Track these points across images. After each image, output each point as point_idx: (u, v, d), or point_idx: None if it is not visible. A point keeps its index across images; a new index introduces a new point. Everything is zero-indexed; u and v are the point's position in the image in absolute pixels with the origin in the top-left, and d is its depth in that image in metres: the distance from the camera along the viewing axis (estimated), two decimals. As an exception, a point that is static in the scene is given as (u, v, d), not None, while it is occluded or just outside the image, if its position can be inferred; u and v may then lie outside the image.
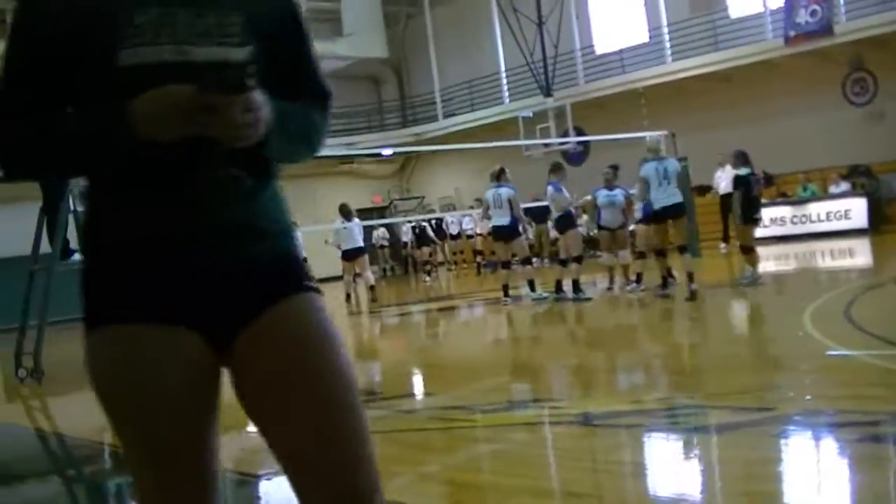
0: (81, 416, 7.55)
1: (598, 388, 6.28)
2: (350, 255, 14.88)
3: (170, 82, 1.39)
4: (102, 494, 4.98)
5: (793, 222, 18.61)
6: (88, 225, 1.55)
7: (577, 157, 21.28)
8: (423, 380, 7.67)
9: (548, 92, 22.24)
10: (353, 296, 15.35)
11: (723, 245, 17.65)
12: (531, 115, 21.27)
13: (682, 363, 7.05)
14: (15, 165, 1.52)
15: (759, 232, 11.72)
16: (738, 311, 9.88)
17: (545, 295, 12.16)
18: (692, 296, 9.78)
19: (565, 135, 20.69)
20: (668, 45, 21.74)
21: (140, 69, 1.43)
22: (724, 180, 17.27)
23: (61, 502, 4.89)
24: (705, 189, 18.57)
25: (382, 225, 24.40)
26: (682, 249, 10.40)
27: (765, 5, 19.88)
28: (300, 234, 8.98)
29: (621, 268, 11.98)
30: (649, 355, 7.43)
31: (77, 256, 9.88)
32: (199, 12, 1.49)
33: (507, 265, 12.48)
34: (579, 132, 21.33)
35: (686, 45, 21.06)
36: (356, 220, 15.40)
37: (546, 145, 20.45)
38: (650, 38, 22.37)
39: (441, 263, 24.17)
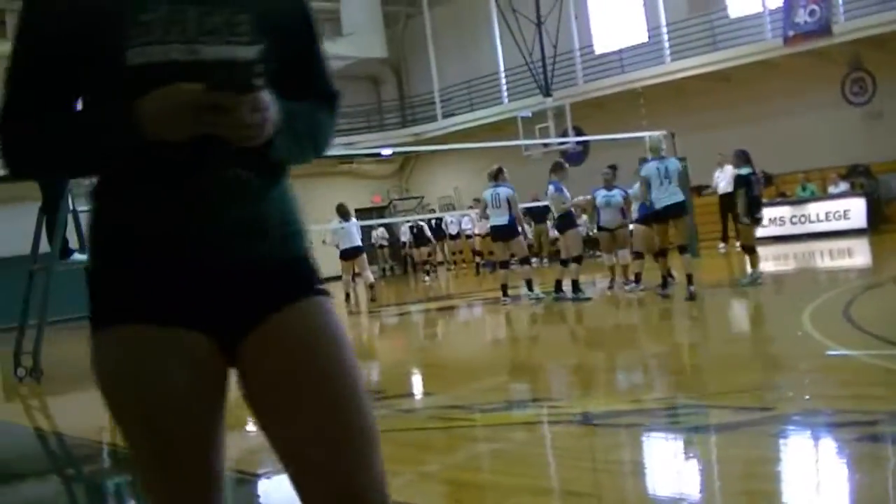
0: (80, 415, 7.55)
1: (598, 388, 6.28)
2: (348, 255, 14.88)
3: (179, 81, 1.38)
4: (101, 494, 4.98)
5: (792, 222, 18.62)
6: (95, 224, 1.55)
7: (577, 156, 21.27)
8: (423, 379, 7.67)
9: (547, 92, 22.24)
10: (352, 295, 15.36)
11: (721, 245, 17.66)
12: (530, 115, 21.27)
13: (682, 363, 7.06)
14: (21, 164, 1.51)
15: (758, 232, 11.71)
16: (738, 311, 9.88)
17: (542, 295, 12.19)
18: (691, 297, 9.78)
19: (564, 135, 20.70)
20: (667, 44, 21.75)
21: (148, 68, 1.42)
22: (723, 180, 17.27)
23: (60, 501, 4.89)
24: (704, 189, 18.57)
25: (381, 225, 24.41)
26: (682, 249, 10.38)
27: (764, 5, 19.89)
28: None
29: (621, 268, 11.99)
30: (649, 355, 7.43)
31: (76, 256, 9.91)
32: (208, 10, 1.48)
33: (505, 265, 12.48)
34: (578, 132, 21.34)
35: (685, 45, 21.07)
36: (354, 219, 15.41)
37: (545, 145, 20.46)
38: (649, 37, 22.38)
39: (440, 263, 24.17)
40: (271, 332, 1.52)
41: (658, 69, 21.34)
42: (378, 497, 1.53)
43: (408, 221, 23.45)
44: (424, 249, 22.56)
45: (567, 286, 11.65)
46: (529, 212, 18.50)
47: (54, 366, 9.52)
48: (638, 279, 11.52)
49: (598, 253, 14.72)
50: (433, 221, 22.92)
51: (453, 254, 24.43)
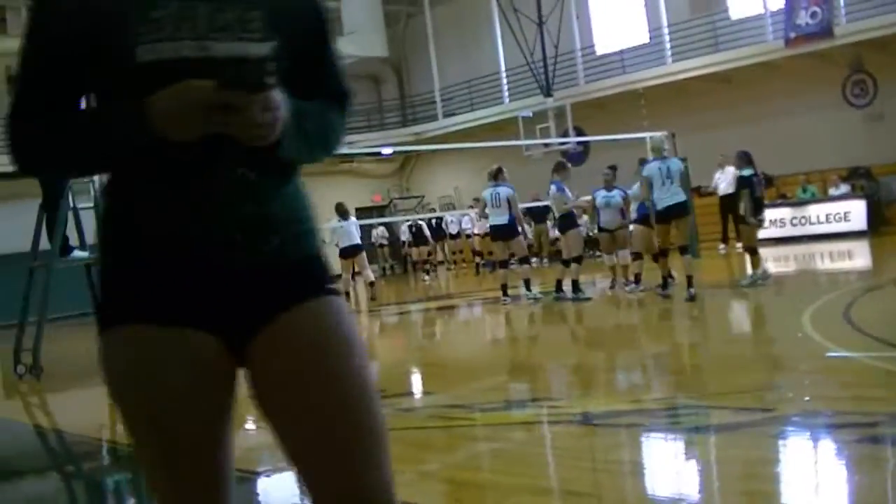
0: (80, 412, 7.56)
1: (598, 388, 6.28)
2: (347, 253, 14.88)
3: (189, 78, 1.36)
4: (101, 491, 4.98)
5: (792, 224, 18.61)
6: (104, 222, 1.54)
7: (577, 157, 21.27)
8: (423, 378, 7.67)
9: (548, 92, 22.24)
10: (351, 294, 15.35)
11: (722, 246, 17.66)
12: (531, 114, 21.26)
13: (682, 363, 7.06)
14: (30, 162, 1.51)
15: (758, 233, 11.70)
16: (738, 312, 9.89)
17: (539, 295, 12.21)
18: (691, 298, 9.78)
19: (565, 135, 20.70)
20: (668, 45, 21.75)
21: (158, 65, 1.40)
22: (723, 181, 17.28)
23: (60, 498, 4.89)
24: (704, 190, 18.57)
25: (381, 224, 24.41)
26: (682, 250, 10.35)
27: (765, 7, 19.89)
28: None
29: (621, 268, 12.00)
30: (649, 355, 7.44)
31: (77, 253, 9.91)
32: (219, 6, 1.46)
33: (505, 265, 12.48)
34: (579, 132, 21.34)
35: (686, 46, 21.07)
36: (353, 218, 15.40)
37: (546, 145, 20.46)
38: (650, 38, 22.38)
39: (441, 263, 24.18)
40: (280, 331, 1.51)
41: (659, 70, 21.34)
42: (386, 497, 1.52)
43: (407, 221, 23.46)
44: (424, 249, 22.57)
45: (567, 286, 11.65)
46: (530, 212, 18.51)
47: (54, 363, 9.52)
48: (638, 280, 11.52)
49: (598, 253, 14.72)
50: (433, 221, 22.92)
51: (453, 253, 24.43)
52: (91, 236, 10.14)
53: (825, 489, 3.44)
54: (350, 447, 1.49)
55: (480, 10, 25.09)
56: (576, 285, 11.53)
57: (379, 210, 27.87)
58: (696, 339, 8.39)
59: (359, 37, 24.76)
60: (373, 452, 1.51)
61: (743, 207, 10.85)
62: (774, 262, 11.04)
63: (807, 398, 4.95)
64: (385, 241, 25.16)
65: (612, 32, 23.29)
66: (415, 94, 28.27)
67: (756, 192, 10.83)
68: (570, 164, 12.48)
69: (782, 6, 19.26)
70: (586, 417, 5.03)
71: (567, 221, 11.88)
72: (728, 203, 17.38)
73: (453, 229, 23.53)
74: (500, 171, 12.10)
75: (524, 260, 12.58)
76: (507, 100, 24.83)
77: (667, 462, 4.10)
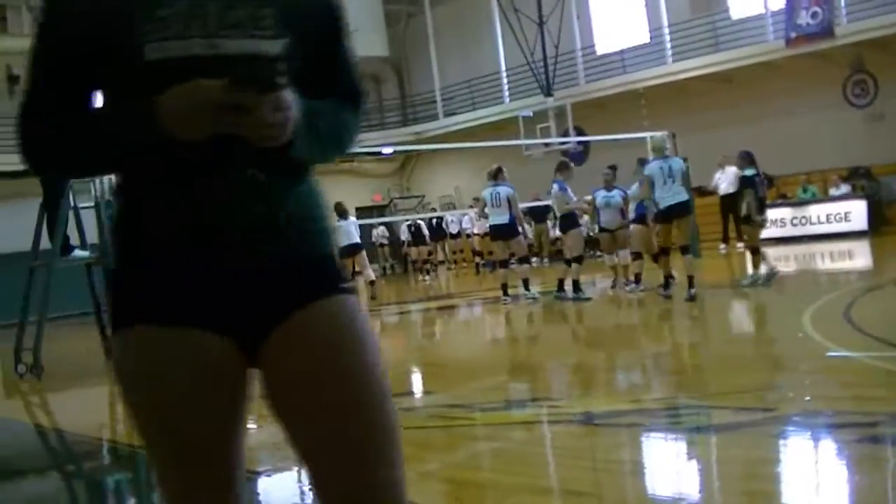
0: (80, 411, 7.56)
1: (598, 388, 6.28)
2: (347, 253, 14.85)
3: (200, 76, 1.35)
4: (101, 490, 4.98)
5: (793, 224, 18.61)
6: (116, 223, 1.54)
7: (578, 157, 21.26)
8: (423, 378, 7.67)
9: (548, 92, 22.24)
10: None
11: (722, 246, 17.66)
12: (531, 114, 21.26)
13: (682, 363, 7.06)
14: (40, 162, 1.51)
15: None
16: (738, 312, 9.89)
17: (537, 295, 12.25)
18: (692, 299, 9.77)
19: (565, 135, 20.70)
20: (668, 45, 21.74)
21: (167, 63, 1.39)
22: (724, 181, 17.28)
23: (60, 498, 4.89)
24: (704, 190, 18.56)
25: (381, 223, 24.40)
26: (684, 250, 10.32)
27: (766, 6, 19.89)
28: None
29: (622, 268, 12.00)
30: (649, 355, 7.44)
31: (77, 252, 9.93)
32: (230, 4, 1.45)
33: (505, 264, 12.48)
34: (579, 132, 21.34)
35: (687, 46, 21.06)
36: (352, 218, 15.40)
37: (546, 145, 20.46)
38: (651, 38, 22.38)
39: (441, 262, 24.18)
40: (295, 329, 1.50)
41: (660, 70, 21.34)
42: (398, 495, 1.51)
43: (407, 220, 23.46)
44: (424, 249, 22.57)
45: (569, 286, 11.65)
46: (530, 211, 18.51)
47: (55, 362, 9.53)
48: (638, 279, 11.52)
49: (598, 253, 14.72)
50: (434, 220, 22.93)
51: (454, 253, 24.44)
52: (92, 236, 10.16)
53: (826, 489, 3.44)
54: (363, 445, 1.49)
55: (481, 9, 25.09)
56: (576, 285, 11.53)
57: (379, 210, 27.86)
58: (696, 338, 8.39)
59: (359, 36, 24.53)
60: (385, 450, 1.51)
61: (747, 207, 10.82)
62: (775, 262, 11.01)
63: (807, 398, 4.95)
64: (385, 241, 25.16)
65: (612, 32, 23.29)
66: (415, 93, 28.27)
67: (759, 192, 10.82)
68: (572, 164, 12.48)
69: (783, 6, 19.26)
70: (587, 417, 5.03)
71: (568, 221, 11.88)
72: (729, 203, 17.38)
73: (454, 229, 23.54)
74: (499, 170, 12.11)
75: (523, 260, 12.60)
76: (507, 99, 24.83)
77: (667, 462, 4.10)
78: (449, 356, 9.03)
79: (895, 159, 18.34)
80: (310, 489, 1.55)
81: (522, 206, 13.13)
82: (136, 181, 1.50)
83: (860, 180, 18.71)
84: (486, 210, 12.21)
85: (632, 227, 11.55)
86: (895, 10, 17.65)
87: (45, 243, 9.74)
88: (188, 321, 1.47)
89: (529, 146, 20.63)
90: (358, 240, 14.90)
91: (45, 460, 5.99)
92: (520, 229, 12.33)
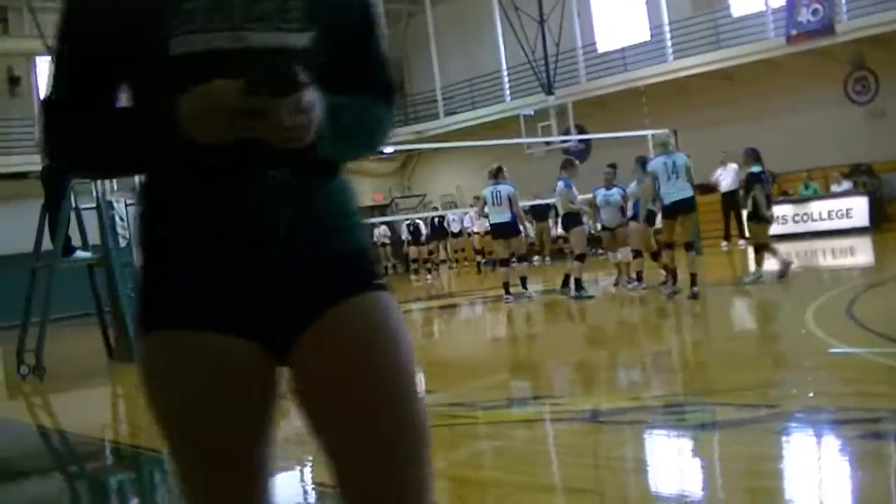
0: (83, 412, 7.57)
1: (601, 385, 6.28)
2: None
3: (225, 70, 1.32)
4: (104, 491, 4.98)
5: (794, 221, 18.59)
6: (139, 225, 1.52)
7: (579, 155, 21.21)
8: (425, 377, 7.65)
9: (549, 90, 22.23)
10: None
11: (724, 243, 17.65)
12: (532, 113, 21.25)
13: (685, 360, 7.06)
14: (64, 160, 1.50)
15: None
16: (741, 309, 9.88)
17: (533, 294, 12.34)
18: (694, 296, 9.76)
19: (567, 133, 20.68)
20: (669, 43, 21.72)
21: (191, 57, 1.37)
22: (726, 178, 17.27)
23: (63, 499, 4.89)
24: (706, 187, 18.55)
25: (382, 223, 24.39)
26: (687, 246, 10.28)
27: (766, 4, 19.85)
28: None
29: (624, 266, 12.01)
30: (651, 352, 7.43)
31: (79, 253, 9.94)
32: None
33: (506, 262, 12.49)
34: (581, 130, 21.32)
35: (688, 44, 21.04)
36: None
37: (547, 143, 20.45)
38: (652, 36, 22.36)
39: (443, 261, 24.18)
40: (328, 327, 1.47)
41: (661, 68, 21.32)
42: (425, 493, 1.50)
43: (407, 220, 23.47)
44: (423, 248, 22.57)
45: (572, 283, 11.66)
46: (532, 210, 18.51)
47: (57, 363, 9.53)
48: (640, 277, 11.52)
49: (600, 251, 14.72)
50: (436, 219, 22.93)
51: (455, 252, 24.43)
52: (93, 237, 10.17)
53: (828, 485, 3.43)
54: (393, 443, 1.47)
55: (482, 8, 25.08)
56: (578, 283, 11.52)
57: (380, 209, 27.85)
58: (698, 336, 8.39)
59: (360, 36, 24.72)
60: (415, 449, 1.49)
61: (753, 203, 10.75)
62: (773, 260, 10.99)
63: (810, 394, 4.95)
64: (387, 240, 25.15)
65: (613, 30, 23.27)
66: (416, 92, 28.25)
67: (765, 189, 10.80)
68: (577, 162, 12.51)
69: (783, 3, 19.23)
70: (589, 415, 5.03)
71: (571, 219, 11.89)
72: (730, 200, 17.38)
73: (455, 228, 23.54)
74: (500, 169, 12.13)
75: (522, 258, 12.62)
76: (508, 98, 24.81)
77: (670, 459, 4.09)
78: (450, 355, 9.03)
79: (896, 156, 18.33)
80: (336, 489, 1.52)
81: (523, 204, 13.14)
82: (160, 183, 1.48)
83: (861, 177, 18.69)
84: (488, 209, 12.23)
85: (630, 224, 11.55)
86: (895, 7, 17.62)
87: (46, 244, 9.75)
88: (215, 325, 1.44)
89: (531, 145, 20.61)
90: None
91: (47, 461, 6.00)
92: (521, 228, 12.35)
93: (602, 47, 23.43)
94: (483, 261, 21.03)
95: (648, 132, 14.98)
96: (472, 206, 20.71)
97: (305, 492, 4.16)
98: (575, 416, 5.09)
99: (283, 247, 1.45)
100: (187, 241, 1.45)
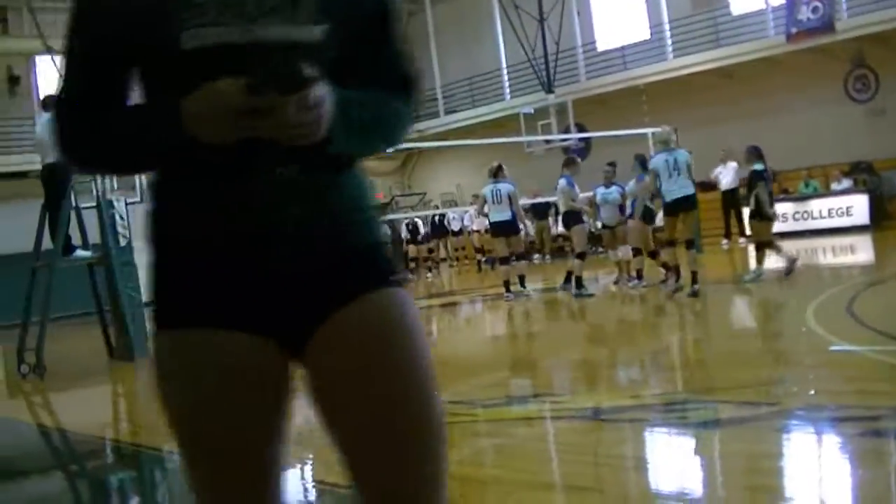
0: (83, 411, 7.57)
1: (601, 383, 6.28)
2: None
3: (236, 65, 1.30)
4: (105, 490, 4.98)
5: (795, 219, 18.58)
6: (148, 223, 1.50)
7: (579, 153, 21.19)
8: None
9: (549, 88, 22.23)
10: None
11: (725, 241, 17.65)
12: (532, 111, 21.25)
13: (685, 358, 7.06)
14: (77, 159, 1.50)
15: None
16: (741, 307, 9.88)
17: (530, 292, 12.37)
18: (694, 294, 9.75)
19: (567, 131, 20.69)
20: (669, 41, 21.72)
21: (203, 51, 1.35)
22: (726, 176, 17.26)
23: (64, 498, 4.89)
24: (706, 185, 18.53)
25: (381, 221, 24.36)
26: (688, 244, 10.26)
27: (766, 2, 19.85)
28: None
29: (624, 264, 12.01)
30: (652, 350, 7.43)
31: (79, 253, 9.95)
32: None
33: (506, 261, 12.49)
34: (581, 129, 21.31)
35: (688, 42, 21.04)
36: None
37: (547, 142, 20.45)
38: (652, 34, 22.35)
39: (443, 259, 24.19)
40: (343, 325, 1.46)
41: (661, 66, 21.32)
42: (441, 491, 1.49)
43: (407, 218, 23.46)
44: (423, 247, 22.58)
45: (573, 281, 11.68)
46: (532, 208, 18.51)
47: (57, 362, 9.53)
48: (640, 275, 11.52)
49: (600, 249, 14.73)
50: (436, 218, 22.94)
51: (455, 250, 24.45)
52: (93, 236, 10.18)
53: (829, 483, 3.43)
54: (409, 439, 1.46)
55: (481, 7, 25.08)
56: (579, 282, 11.52)
57: (381, 208, 27.87)
58: (699, 334, 8.39)
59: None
60: (431, 446, 1.48)
61: (756, 201, 10.72)
62: (777, 257, 11.00)
63: (811, 392, 4.95)
64: (387, 239, 25.15)
65: (613, 28, 23.26)
66: (416, 91, 28.24)
67: (768, 187, 10.79)
68: (579, 159, 12.52)
69: (783, 1, 19.23)
70: (589, 413, 5.03)
71: (572, 217, 11.90)
72: (731, 198, 17.38)
73: (455, 226, 23.55)
74: (500, 168, 12.15)
75: (520, 256, 12.64)
76: (508, 96, 24.81)
77: (670, 457, 4.09)
78: (450, 353, 9.02)
79: (896, 154, 18.32)
80: (351, 487, 1.51)
81: (524, 202, 13.14)
82: (169, 180, 1.47)
83: (862, 175, 18.69)
84: (488, 207, 12.24)
85: (629, 223, 11.55)
86: (895, 5, 17.62)
87: (47, 243, 9.76)
88: (227, 324, 1.43)
89: (530, 143, 20.61)
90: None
91: (48, 460, 6.00)
92: (520, 226, 12.36)
93: (602, 46, 23.42)
94: (483, 259, 21.03)
95: (648, 130, 14.98)
96: (471, 204, 20.73)
97: (306, 489, 4.16)
98: (575, 414, 5.09)
99: (293, 244, 1.43)
100: (195, 239, 1.44)
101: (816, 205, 18.54)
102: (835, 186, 18.85)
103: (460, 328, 11.54)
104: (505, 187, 11.95)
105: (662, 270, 11.05)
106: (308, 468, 4.37)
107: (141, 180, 14.49)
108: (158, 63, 1.40)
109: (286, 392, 1.51)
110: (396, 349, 1.47)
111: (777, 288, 10.18)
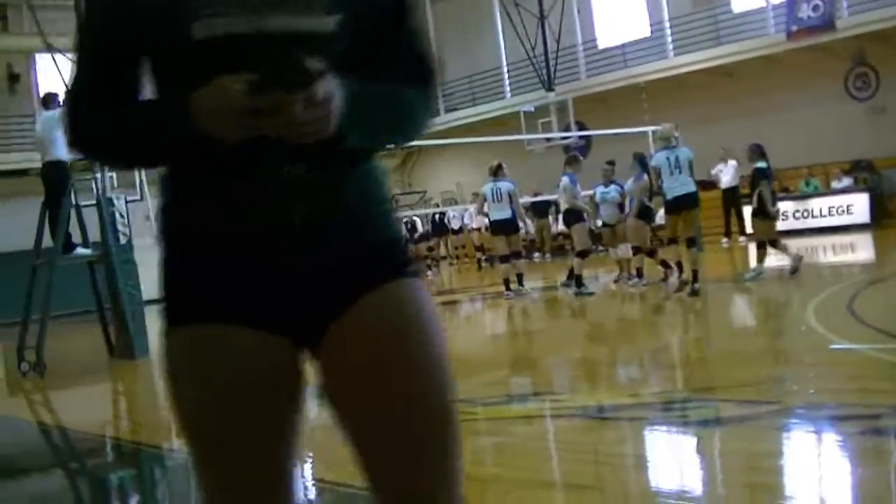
0: (83, 409, 7.57)
1: (601, 382, 6.28)
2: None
3: (245, 57, 1.28)
4: (105, 488, 4.98)
5: (795, 217, 18.57)
6: (159, 220, 1.49)
7: (579, 151, 21.20)
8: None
9: (549, 86, 22.22)
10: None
11: (725, 240, 17.64)
12: (533, 109, 21.24)
13: (686, 357, 7.06)
14: (87, 153, 1.51)
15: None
16: (742, 306, 9.88)
17: (528, 291, 12.41)
18: (694, 293, 9.74)
19: (567, 129, 20.69)
20: (669, 39, 21.71)
21: (213, 42, 1.33)
22: (726, 174, 17.25)
23: (64, 496, 4.89)
24: (706, 184, 18.52)
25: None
26: (689, 242, 10.24)
27: (767, 0, 19.84)
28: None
29: (625, 262, 12.01)
30: (652, 349, 7.43)
31: (79, 250, 9.95)
32: None
33: (506, 259, 12.50)
34: (581, 126, 21.32)
35: (688, 40, 21.03)
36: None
37: (548, 140, 20.45)
38: (652, 32, 22.34)
39: (443, 258, 24.19)
40: (359, 319, 1.44)
41: (661, 64, 21.31)
42: (456, 487, 1.47)
43: (407, 217, 23.46)
44: (422, 246, 22.58)
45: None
46: (533, 206, 18.51)
47: (57, 360, 9.53)
48: (640, 274, 11.52)
49: (600, 248, 14.73)
50: (436, 216, 22.94)
51: (456, 248, 24.45)
52: (94, 233, 10.18)
53: (829, 481, 3.43)
54: (425, 436, 1.44)
55: (481, 5, 25.06)
56: (579, 280, 11.52)
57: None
58: (699, 332, 8.39)
59: (360, 32, 24.71)
60: (446, 442, 1.46)
61: (759, 199, 10.69)
62: (777, 256, 11.00)
63: (811, 391, 4.95)
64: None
65: (613, 26, 23.25)
66: (416, 89, 28.24)
67: (770, 185, 10.78)
68: (581, 157, 12.52)
69: (784, -1, 19.25)
70: (589, 411, 5.03)
71: (573, 215, 11.90)
72: (731, 196, 17.37)
73: (455, 224, 23.56)
74: (500, 167, 12.15)
75: (518, 255, 12.65)
76: (508, 94, 24.80)
77: (670, 455, 4.09)
78: (450, 351, 9.01)
79: (897, 152, 18.32)
80: (366, 485, 1.49)
81: (524, 200, 13.14)
82: (180, 176, 1.46)
83: (862, 173, 18.68)
84: (488, 205, 12.24)
85: (628, 221, 11.54)
86: (895, 3, 17.63)
87: (47, 241, 9.76)
88: (239, 321, 1.42)
89: (531, 141, 20.60)
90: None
91: (48, 458, 6.00)
92: (520, 224, 12.37)
93: (602, 44, 23.41)
94: (483, 257, 21.04)
95: (649, 128, 14.98)
96: (472, 202, 20.72)
97: (305, 488, 4.16)
98: (575, 413, 5.09)
99: (302, 242, 1.41)
100: (205, 235, 1.43)
101: (817, 203, 18.53)
102: (835, 185, 18.84)
103: (460, 326, 11.53)
104: (505, 185, 11.95)
105: (661, 269, 11.05)
106: (308, 467, 4.37)
107: (141, 178, 14.55)
108: (169, 55, 1.38)
109: (299, 390, 1.49)
110: (413, 345, 1.45)
111: (777, 286, 10.18)
